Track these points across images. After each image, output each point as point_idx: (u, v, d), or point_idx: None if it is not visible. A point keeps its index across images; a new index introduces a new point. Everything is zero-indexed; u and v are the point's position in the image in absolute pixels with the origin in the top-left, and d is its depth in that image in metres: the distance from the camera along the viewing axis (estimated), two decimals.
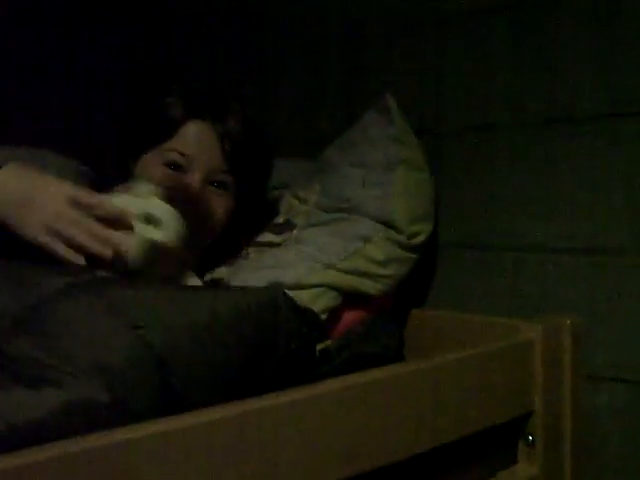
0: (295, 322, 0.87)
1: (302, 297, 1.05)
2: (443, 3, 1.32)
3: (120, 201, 0.99)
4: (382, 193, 1.19)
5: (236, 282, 1.10)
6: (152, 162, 1.19)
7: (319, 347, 0.99)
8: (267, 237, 1.26)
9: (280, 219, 1.28)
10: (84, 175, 1.29)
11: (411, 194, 1.19)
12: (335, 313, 1.13)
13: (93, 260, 0.94)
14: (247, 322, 0.83)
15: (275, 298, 0.87)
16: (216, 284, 1.14)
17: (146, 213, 0.98)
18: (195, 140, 1.19)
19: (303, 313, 0.90)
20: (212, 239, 1.21)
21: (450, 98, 1.31)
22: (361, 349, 1.06)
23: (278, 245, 1.23)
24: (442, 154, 1.31)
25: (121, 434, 0.63)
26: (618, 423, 1.14)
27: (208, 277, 1.19)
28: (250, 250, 1.24)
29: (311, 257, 1.14)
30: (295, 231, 1.23)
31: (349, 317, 1.15)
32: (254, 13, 1.65)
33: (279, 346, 0.85)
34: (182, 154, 1.17)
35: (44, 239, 0.94)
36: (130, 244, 0.95)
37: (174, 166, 1.17)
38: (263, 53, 1.64)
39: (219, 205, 1.20)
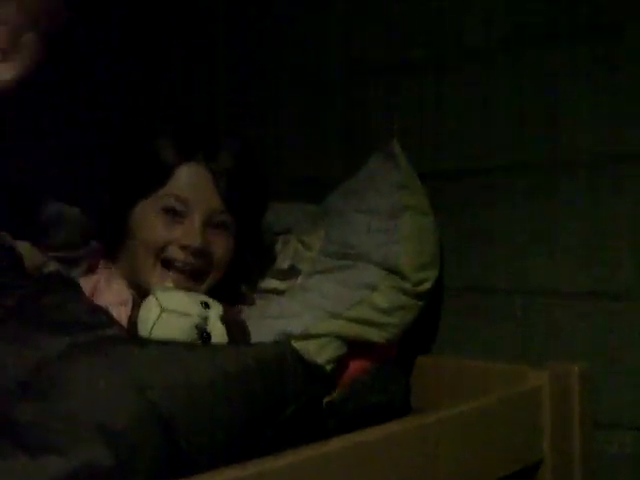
0: (302, 377, 0.87)
1: (308, 347, 1.05)
2: (443, 44, 1.33)
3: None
4: (387, 240, 1.18)
5: None
6: (149, 209, 1.18)
7: (325, 399, 0.98)
8: (272, 283, 1.25)
9: (284, 264, 1.28)
10: (84, 225, 1.29)
11: (417, 241, 1.19)
12: (341, 362, 1.12)
13: None
14: (254, 379, 0.83)
15: (282, 353, 0.87)
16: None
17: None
18: (191, 183, 1.18)
19: (310, 367, 0.90)
20: (217, 280, 1.20)
21: (450, 140, 1.32)
22: (367, 400, 1.05)
23: (283, 292, 1.23)
24: (442, 197, 1.31)
25: None
26: (628, 470, 1.13)
27: None
28: (255, 296, 1.24)
29: (317, 306, 1.13)
30: (300, 278, 1.23)
31: (355, 366, 1.14)
32: (254, 55, 1.66)
33: (286, 402, 0.85)
34: (179, 199, 1.17)
35: None
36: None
37: (172, 212, 1.17)
38: (262, 92, 1.64)
39: (221, 246, 1.19)
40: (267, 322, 1.11)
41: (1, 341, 0.87)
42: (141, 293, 1.13)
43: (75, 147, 1.74)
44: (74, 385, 0.79)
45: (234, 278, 1.23)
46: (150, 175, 1.18)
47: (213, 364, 0.82)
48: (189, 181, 1.17)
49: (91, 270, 1.24)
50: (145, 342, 0.90)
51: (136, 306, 1.07)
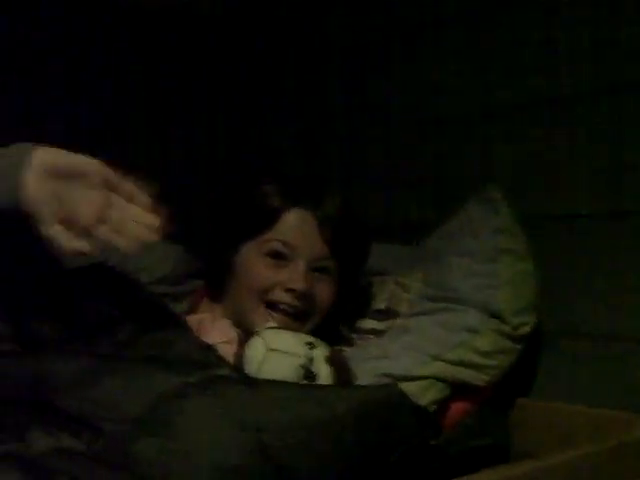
0: (410, 420, 0.88)
1: (410, 389, 1.06)
2: (535, 92, 1.33)
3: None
4: (487, 283, 1.19)
5: None
6: (254, 252, 1.21)
7: (431, 442, 0.99)
8: (369, 324, 1.27)
9: (382, 305, 1.29)
10: (186, 262, 1.33)
11: (516, 285, 1.19)
12: (442, 404, 1.13)
13: None
14: (365, 422, 0.84)
15: (390, 396, 0.88)
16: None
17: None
18: (297, 229, 1.21)
19: (417, 410, 0.91)
20: (318, 323, 1.22)
21: (547, 186, 1.31)
22: (471, 443, 1.05)
23: (381, 332, 1.24)
24: (540, 242, 1.29)
25: None
26: None
27: None
28: (354, 337, 1.25)
29: (418, 348, 1.14)
30: (399, 319, 1.24)
31: (455, 408, 1.14)
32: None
33: (395, 445, 0.86)
34: (285, 244, 1.20)
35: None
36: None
37: (277, 255, 1.20)
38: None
39: (323, 291, 1.22)
40: (369, 363, 1.12)
41: (117, 377, 0.91)
42: (245, 332, 1.16)
43: (177, 184, 1.80)
44: (190, 424, 0.81)
45: (333, 319, 1.25)
46: (257, 219, 1.22)
47: (324, 406, 0.84)
48: (295, 227, 1.21)
49: (194, 308, 1.28)
50: (256, 382, 0.92)
51: (242, 345, 1.09)
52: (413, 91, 1.55)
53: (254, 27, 1.91)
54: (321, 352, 1.05)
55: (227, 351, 1.09)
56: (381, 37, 1.62)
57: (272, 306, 1.19)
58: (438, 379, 1.11)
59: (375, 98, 1.63)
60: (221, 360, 0.99)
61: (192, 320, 1.17)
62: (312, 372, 1.03)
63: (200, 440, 0.80)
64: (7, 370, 0.97)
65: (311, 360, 1.03)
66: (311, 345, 1.06)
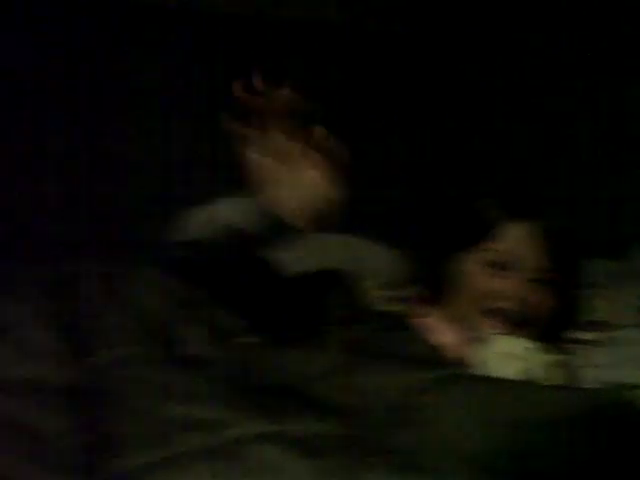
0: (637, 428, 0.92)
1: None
2: None
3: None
4: None
5: None
6: (474, 262, 1.28)
7: None
8: (582, 335, 1.31)
9: (594, 317, 1.34)
10: (406, 268, 1.42)
11: None
12: None
13: None
14: (597, 425, 0.89)
15: (622, 400, 0.93)
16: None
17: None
18: (516, 241, 1.26)
19: None
20: (536, 333, 1.25)
21: None
22: None
23: (593, 343, 1.29)
24: None
25: None
26: None
27: None
28: (567, 346, 1.30)
29: (632, 359, 1.19)
30: (611, 331, 1.28)
31: None
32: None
33: (624, 451, 0.90)
34: (505, 255, 1.26)
35: None
36: None
37: (496, 266, 1.26)
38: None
39: (541, 302, 1.26)
40: (590, 371, 1.18)
41: (367, 370, 1.00)
42: (466, 337, 1.23)
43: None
44: (440, 418, 0.89)
45: (549, 329, 1.30)
46: (477, 230, 1.29)
47: (569, 406, 0.89)
48: (515, 238, 1.27)
49: (414, 312, 1.37)
50: (497, 381, 0.99)
51: (466, 349, 1.17)
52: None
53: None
54: (545, 358, 1.11)
55: (453, 354, 1.17)
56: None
57: (492, 314, 1.25)
58: None
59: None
60: (451, 361, 1.08)
61: (416, 324, 1.25)
62: (538, 376, 1.09)
63: (452, 434, 0.87)
64: (260, 359, 1.08)
65: (537, 364, 1.09)
66: (535, 350, 1.12)
